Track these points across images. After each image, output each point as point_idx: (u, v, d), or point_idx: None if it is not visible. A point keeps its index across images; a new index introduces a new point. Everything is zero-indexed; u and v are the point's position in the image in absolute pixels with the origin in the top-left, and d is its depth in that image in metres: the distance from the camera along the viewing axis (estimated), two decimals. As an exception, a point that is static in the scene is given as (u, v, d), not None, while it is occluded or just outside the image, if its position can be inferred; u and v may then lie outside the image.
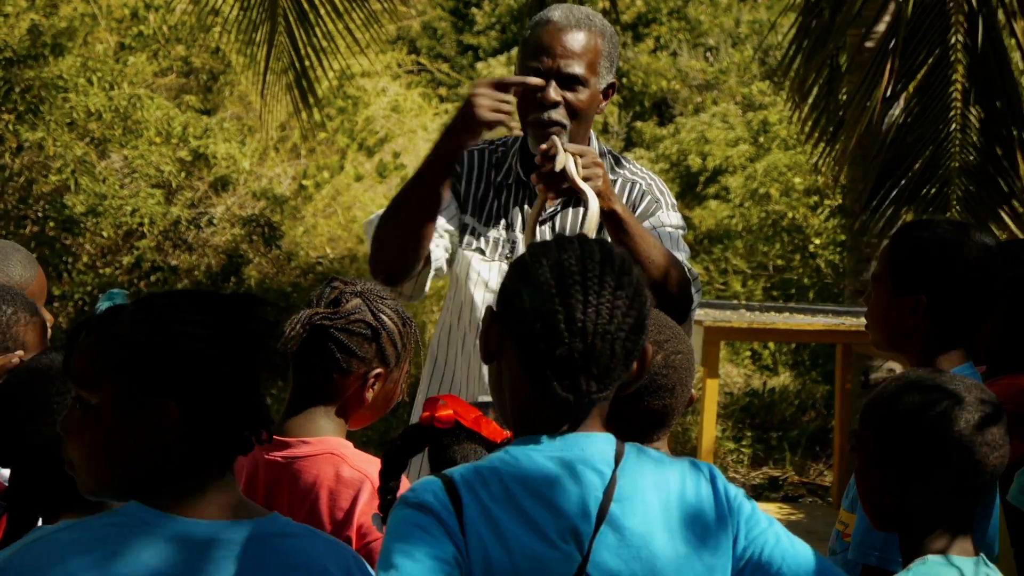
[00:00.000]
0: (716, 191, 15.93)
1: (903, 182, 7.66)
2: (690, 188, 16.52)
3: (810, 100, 8.47)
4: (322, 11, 8.69)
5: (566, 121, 3.68)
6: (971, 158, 7.60)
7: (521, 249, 3.74)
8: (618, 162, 3.96)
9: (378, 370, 3.11)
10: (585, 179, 3.46)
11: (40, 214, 12.18)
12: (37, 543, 2.17)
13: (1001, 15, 7.68)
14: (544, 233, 3.78)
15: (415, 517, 2.15)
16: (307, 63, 8.75)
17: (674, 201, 3.93)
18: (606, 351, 2.21)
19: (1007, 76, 7.56)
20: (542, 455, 2.20)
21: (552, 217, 3.83)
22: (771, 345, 13.79)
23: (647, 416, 2.78)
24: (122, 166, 12.34)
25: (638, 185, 3.89)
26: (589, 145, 3.82)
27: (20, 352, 2.93)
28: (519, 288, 2.25)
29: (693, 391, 2.91)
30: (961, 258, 3.14)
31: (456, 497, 2.16)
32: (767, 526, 2.30)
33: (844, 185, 9.30)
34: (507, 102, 3.54)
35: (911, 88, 7.78)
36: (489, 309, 2.31)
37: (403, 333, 3.16)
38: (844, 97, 8.63)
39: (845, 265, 11.55)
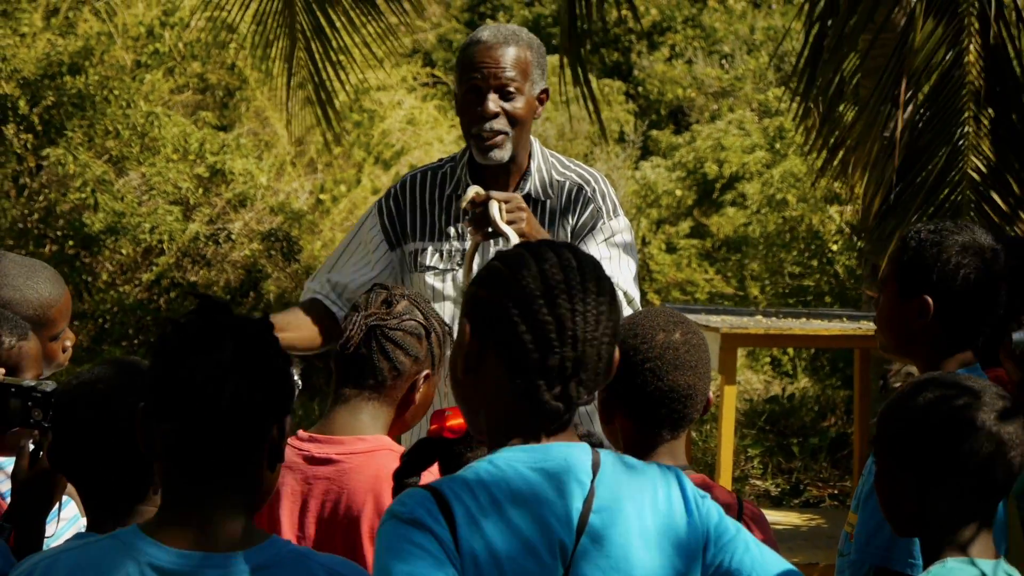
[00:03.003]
0: (733, 198, 15.92)
1: (918, 186, 7.64)
2: (707, 195, 16.51)
3: (822, 105, 8.44)
4: (338, 24, 8.72)
5: (508, 129, 3.99)
6: (985, 161, 7.57)
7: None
8: (562, 164, 4.20)
9: (427, 371, 3.23)
10: (509, 223, 3.72)
11: (60, 233, 12.24)
12: (41, 564, 2.25)
13: (1013, 16, 7.66)
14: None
15: (411, 534, 2.11)
16: (324, 75, 8.78)
17: (617, 202, 4.17)
18: (594, 357, 2.22)
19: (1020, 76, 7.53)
20: (526, 465, 2.19)
21: (540, 202, 4.11)
22: (790, 351, 13.76)
23: (671, 397, 2.79)
24: (140, 183, 12.39)
25: (584, 192, 4.12)
26: (531, 150, 4.11)
27: (1, 370, 2.95)
28: (503, 300, 2.24)
29: (711, 395, 2.93)
30: (967, 259, 3.14)
31: (448, 511, 2.13)
32: (735, 533, 2.30)
33: (859, 190, 9.29)
34: None
35: (924, 91, 7.76)
36: (464, 322, 2.30)
37: (444, 336, 3.28)
38: (845, 105, 8.60)
39: (862, 270, 11.53)
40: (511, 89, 3.97)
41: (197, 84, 13.74)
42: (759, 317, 9.19)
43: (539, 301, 2.21)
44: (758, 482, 11.23)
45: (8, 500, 3.06)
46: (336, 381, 3.25)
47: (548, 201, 4.09)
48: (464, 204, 3.78)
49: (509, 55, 3.98)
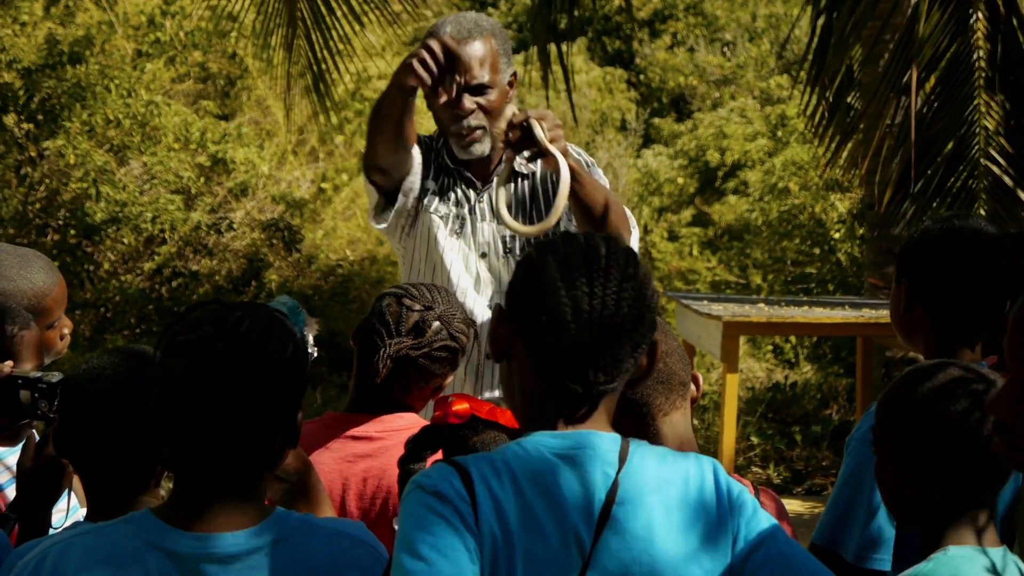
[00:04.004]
0: (735, 186, 15.91)
1: (928, 173, 7.61)
2: (709, 183, 16.51)
3: (829, 94, 8.42)
4: (339, 12, 8.72)
5: (485, 123, 4.01)
6: (997, 147, 7.55)
7: (468, 228, 4.06)
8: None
9: (450, 379, 3.29)
10: (551, 140, 3.68)
11: (61, 222, 12.24)
12: (56, 547, 2.26)
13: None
14: (523, 190, 4.08)
15: (435, 505, 2.14)
16: (324, 66, 8.77)
17: (595, 165, 4.19)
18: (613, 342, 2.22)
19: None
20: (552, 452, 2.20)
21: (527, 176, 4.12)
22: (792, 339, 13.76)
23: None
24: (141, 173, 12.40)
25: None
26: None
27: (9, 363, 2.95)
28: (526, 284, 2.26)
29: (702, 384, 2.90)
30: (942, 244, 3.13)
31: (471, 487, 2.15)
32: (767, 526, 2.28)
33: (865, 178, 9.26)
34: (436, 62, 3.86)
35: (933, 78, 7.73)
36: (498, 307, 2.32)
37: (469, 338, 3.31)
38: (851, 95, 8.60)
39: (864, 258, 11.52)
40: (484, 86, 3.98)
41: (198, 73, 13.74)
42: (761, 305, 9.18)
43: (557, 284, 2.22)
44: (760, 470, 11.23)
45: (6, 492, 3.06)
46: (359, 395, 3.26)
47: (534, 173, 4.12)
48: (503, 126, 3.76)
49: (477, 51, 3.98)
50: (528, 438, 2.23)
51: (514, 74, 4.08)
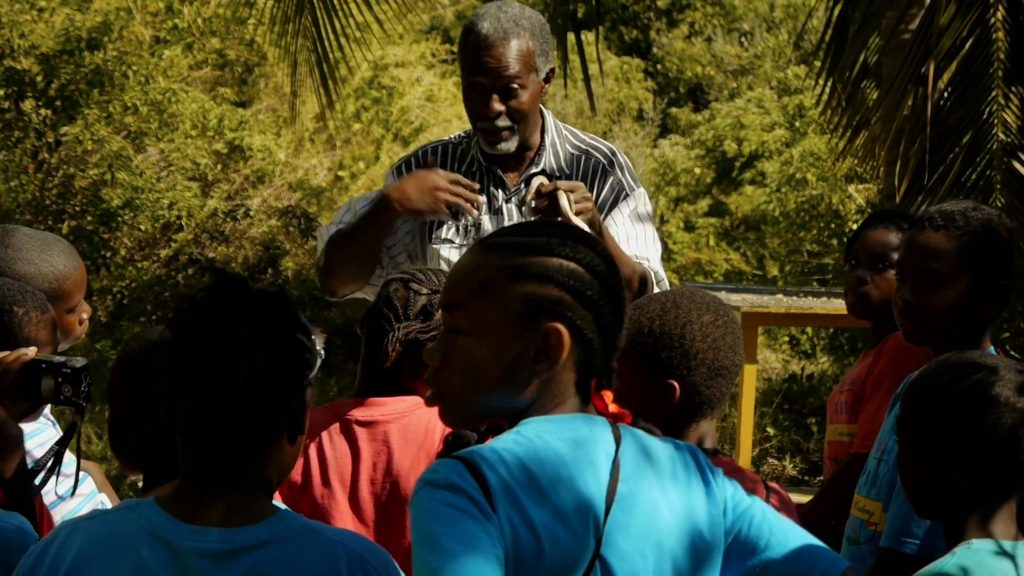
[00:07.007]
0: (752, 176, 15.87)
1: (945, 165, 7.59)
2: (726, 174, 16.47)
3: (844, 89, 8.39)
4: (351, 3, 8.70)
5: (513, 124, 3.98)
6: (1015, 139, 7.52)
7: (488, 229, 4.03)
8: (577, 137, 4.18)
9: None
10: (577, 213, 3.68)
11: (78, 208, 12.25)
12: (64, 530, 2.27)
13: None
14: None
15: (449, 498, 2.10)
16: (332, 56, 8.74)
17: (635, 174, 4.17)
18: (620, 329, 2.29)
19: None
20: (556, 437, 2.19)
21: None
22: (809, 330, 13.73)
23: (730, 374, 2.77)
24: (158, 159, 12.40)
25: (601, 165, 4.11)
26: (543, 124, 4.10)
27: (33, 348, 2.94)
28: (580, 289, 2.25)
29: None
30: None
31: (481, 478, 2.12)
32: (750, 503, 2.34)
33: (884, 169, 9.24)
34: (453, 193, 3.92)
35: (951, 68, 7.71)
36: (558, 329, 2.28)
37: None
38: (867, 85, 8.56)
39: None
40: (514, 86, 3.93)
41: (216, 60, 13.74)
42: (780, 296, 9.15)
43: (597, 281, 2.26)
44: (776, 461, 11.21)
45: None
46: (367, 380, 3.27)
47: (565, 176, 4.09)
48: (530, 197, 3.74)
49: (511, 52, 3.92)
50: (525, 426, 2.22)
51: (551, 70, 4.03)
